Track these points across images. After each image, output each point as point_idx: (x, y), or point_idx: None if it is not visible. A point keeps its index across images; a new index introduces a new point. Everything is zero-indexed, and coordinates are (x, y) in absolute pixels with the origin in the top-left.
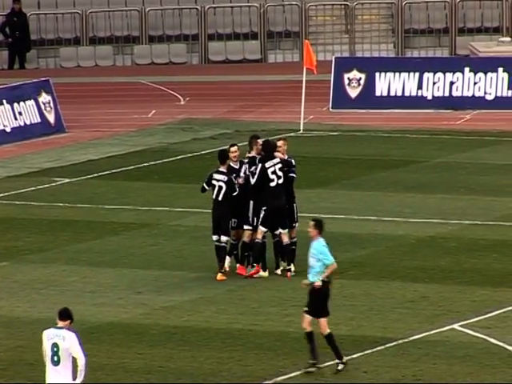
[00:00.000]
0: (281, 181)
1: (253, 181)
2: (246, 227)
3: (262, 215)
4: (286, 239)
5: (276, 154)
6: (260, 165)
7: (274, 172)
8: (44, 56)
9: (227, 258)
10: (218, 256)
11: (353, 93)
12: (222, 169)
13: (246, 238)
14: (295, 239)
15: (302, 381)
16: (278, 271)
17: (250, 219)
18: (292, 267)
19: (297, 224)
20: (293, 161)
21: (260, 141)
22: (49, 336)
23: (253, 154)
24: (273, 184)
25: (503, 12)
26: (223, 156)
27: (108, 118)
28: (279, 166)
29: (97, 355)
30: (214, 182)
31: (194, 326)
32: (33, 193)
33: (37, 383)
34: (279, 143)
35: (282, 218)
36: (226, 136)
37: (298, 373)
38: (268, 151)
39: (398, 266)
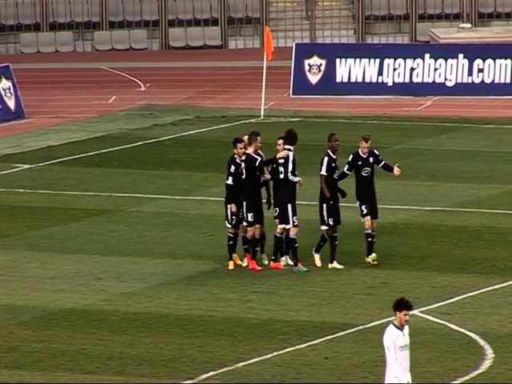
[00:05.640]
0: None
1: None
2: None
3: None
4: (291, 233)
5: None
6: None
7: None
8: (4, 42)
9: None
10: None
11: (313, 79)
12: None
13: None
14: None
15: (262, 367)
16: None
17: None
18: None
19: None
20: (375, 151)
21: (259, 138)
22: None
23: (250, 150)
24: (281, 176)
25: None
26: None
27: (68, 104)
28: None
29: (57, 341)
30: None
31: (154, 312)
32: None
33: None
34: (365, 145)
35: (283, 213)
36: (186, 122)
37: (258, 359)
38: (290, 141)
39: (359, 252)
